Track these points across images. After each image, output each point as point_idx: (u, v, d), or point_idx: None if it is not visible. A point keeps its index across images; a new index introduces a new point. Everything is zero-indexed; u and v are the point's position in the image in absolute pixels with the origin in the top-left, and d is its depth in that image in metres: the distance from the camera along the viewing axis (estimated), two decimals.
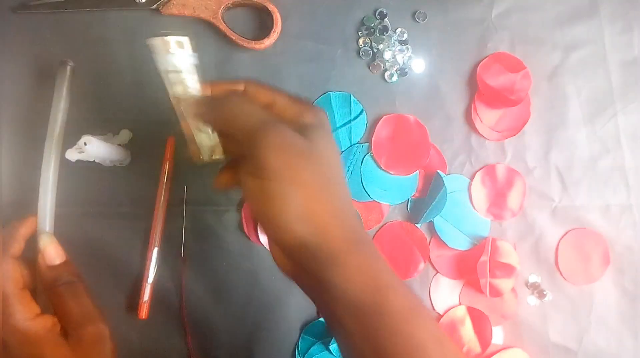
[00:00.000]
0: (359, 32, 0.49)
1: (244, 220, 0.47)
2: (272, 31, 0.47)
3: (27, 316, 0.37)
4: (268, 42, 0.47)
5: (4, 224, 0.42)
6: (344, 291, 0.31)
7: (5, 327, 0.37)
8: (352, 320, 0.31)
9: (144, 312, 0.45)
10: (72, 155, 0.42)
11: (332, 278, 0.31)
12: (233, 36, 0.47)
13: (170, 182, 0.46)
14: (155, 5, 0.47)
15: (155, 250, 0.45)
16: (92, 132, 0.44)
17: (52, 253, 0.40)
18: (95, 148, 0.43)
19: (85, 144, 0.42)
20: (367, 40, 0.49)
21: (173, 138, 0.47)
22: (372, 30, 0.48)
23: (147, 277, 0.45)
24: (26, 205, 0.44)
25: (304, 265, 0.32)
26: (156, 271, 0.46)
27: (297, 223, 0.31)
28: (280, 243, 0.33)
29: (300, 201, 0.31)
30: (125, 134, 0.46)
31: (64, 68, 0.44)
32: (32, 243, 0.41)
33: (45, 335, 0.38)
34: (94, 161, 0.45)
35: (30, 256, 0.40)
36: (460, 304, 0.48)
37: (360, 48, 0.48)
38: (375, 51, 0.48)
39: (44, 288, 0.39)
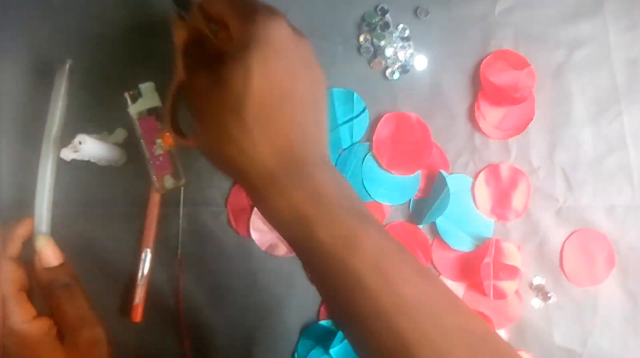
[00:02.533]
0: (360, 29, 0.50)
1: (231, 215, 0.48)
2: None
3: (23, 318, 0.39)
4: None
5: (1, 224, 0.43)
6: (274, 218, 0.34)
7: (1, 329, 0.38)
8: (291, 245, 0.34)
9: (137, 315, 0.46)
10: (67, 154, 0.43)
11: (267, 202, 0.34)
12: None
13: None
14: None
15: (147, 251, 0.47)
16: (87, 131, 0.45)
17: (49, 255, 0.41)
18: (90, 147, 0.44)
19: (80, 143, 0.43)
20: (368, 37, 0.50)
21: (169, 135, 0.48)
22: (373, 26, 0.50)
23: (138, 279, 0.46)
24: (23, 205, 0.45)
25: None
26: (153, 273, 0.47)
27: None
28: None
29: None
30: (120, 133, 0.48)
31: (63, 66, 0.45)
32: (29, 244, 0.42)
33: (42, 338, 0.39)
34: (89, 160, 0.46)
35: (27, 257, 0.41)
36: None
37: (361, 45, 0.50)
38: (376, 47, 0.50)
39: (40, 291, 0.41)
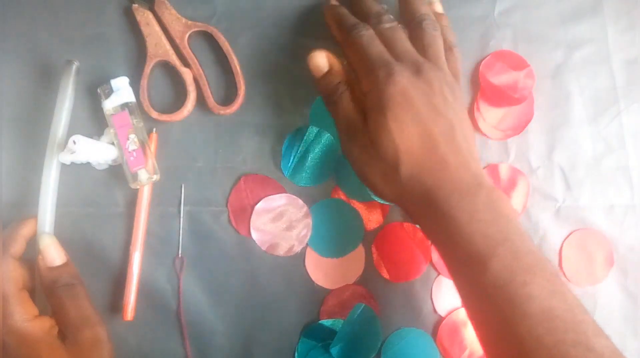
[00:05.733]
0: None
1: (231, 215, 0.49)
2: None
3: (25, 317, 0.40)
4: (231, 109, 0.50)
5: (4, 224, 0.44)
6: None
7: (3, 328, 0.39)
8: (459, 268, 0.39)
9: (127, 314, 0.47)
10: (65, 158, 0.44)
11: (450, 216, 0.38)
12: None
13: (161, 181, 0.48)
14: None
15: (136, 254, 0.48)
16: (89, 133, 0.47)
17: (53, 254, 0.42)
18: (84, 147, 0.44)
19: (74, 143, 0.44)
20: None
21: (156, 134, 0.49)
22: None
23: (131, 279, 0.47)
24: (26, 205, 0.46)
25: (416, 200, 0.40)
26: (153, 272, 0.48)
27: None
28: (393, 176, 0.40)
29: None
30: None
31: (70, 67, 0.46)
32: (32, 244, 0.43)
33: (43, 337, 0.40)
34: (88, 163, 0.47)
35: (30, 256, 0.43)
36: (462, 306, 0.51)
37: None
38: None
39: (43, 290, 0.42)
